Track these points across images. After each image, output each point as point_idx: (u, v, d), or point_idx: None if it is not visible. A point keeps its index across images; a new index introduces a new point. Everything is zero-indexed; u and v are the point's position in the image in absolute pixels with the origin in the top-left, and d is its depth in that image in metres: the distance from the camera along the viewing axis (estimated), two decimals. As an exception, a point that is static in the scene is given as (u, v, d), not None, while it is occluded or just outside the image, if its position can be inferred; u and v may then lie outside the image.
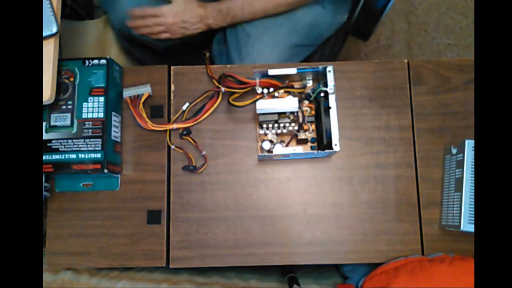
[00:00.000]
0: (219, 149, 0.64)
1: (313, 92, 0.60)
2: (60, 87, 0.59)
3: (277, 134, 0.62)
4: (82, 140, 0.58)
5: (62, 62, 0.60)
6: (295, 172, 0.63)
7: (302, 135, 0.61)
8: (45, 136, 0.59)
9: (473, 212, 0.55)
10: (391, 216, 0.62)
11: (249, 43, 0.72)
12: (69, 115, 0.59)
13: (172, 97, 0.65)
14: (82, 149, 0.58)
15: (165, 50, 0.80)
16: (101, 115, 0.59)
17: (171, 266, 0.62)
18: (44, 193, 0.61)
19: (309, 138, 0.62)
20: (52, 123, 0.59)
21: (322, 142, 0.60)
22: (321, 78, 0.60)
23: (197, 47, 0.86)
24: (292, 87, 0.61)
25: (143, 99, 0.63)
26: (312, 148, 0.62)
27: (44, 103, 0.55)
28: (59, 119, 0.59)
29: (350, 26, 0.80)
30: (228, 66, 0.66)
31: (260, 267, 0.71)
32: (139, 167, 0.64)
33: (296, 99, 0.58)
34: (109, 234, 0.62)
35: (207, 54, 0.69)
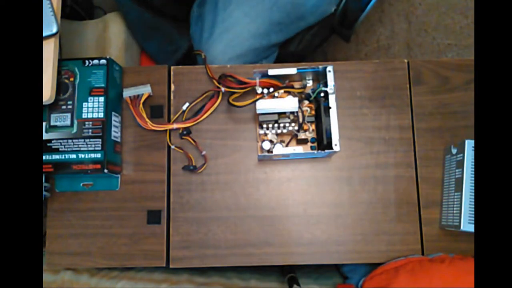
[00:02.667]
0: (219, 149, 0.64)
1: (313, 92, 0.60)
2: (60, 87, 0.59)
3: (277, 134, 0.62)
4: (82, 140, 0.58)
5: (62, 62, 0.60)
6: (295, 172, 0.63)
7: (302, 135, 0.61)
8: (45, 136, 0.59)
9: (473, 212, 0.55)
10: (391, 216, 0.62)
11: (228, 8, 0.70)
12: (69, 115, 0.59)
13: (172, 97, 0.65)
14: (82, 149, 0.58)
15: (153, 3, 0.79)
16: (101, 115, 0.59)
17: (171, 266, 0.62)
18: (44, 193, 0.61)
19: (309, 138, 0.62)
20: (52, 123, 0.59)
21: (322, 142, 0.60)
22: (321, 78, 0.60)
23: (184, 7, 0.85)
24: (292, 87, 0.61)
25: (143, 99, 0.63)
26: (312, 148, 0.62)
27: (44, 103, 0.55)
28: (59, 119, 0.59)
29: (336, 19, 0.79)
30: (228, 66, 0.66)
31: (260, 267, 0.71)
32: (139, 167, 0.64)
33: (296, 99, 0.58)
34: (109, 234, 0.62)
35: (203, 54, 0.68)
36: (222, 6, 0.71)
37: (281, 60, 0.82)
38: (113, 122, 0.61)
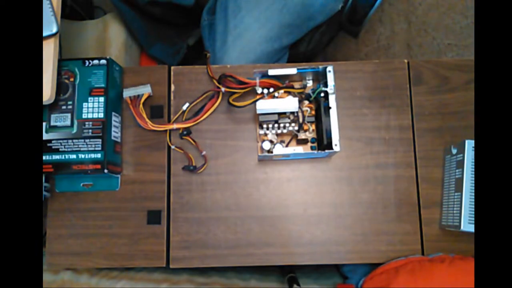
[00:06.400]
0: (219, 149, 0.64)
1: (313, 92, 0.60)
2: (60, 87, 0.59)
3: (277, 134, 0.62)
4: (82, 140, 0.58)
5: (62, 62, 0.60)
6: (295, 172, 0.63)
7: (302, 135, 0.61)
8: (45, 136, 0.59)
9: (473, 212, 0.55)
10: (391, 216, 0.62)
11: (238, 15, 0.70)
12: (69, 115, 0.59)
13: (172, 97, 0.65)
14: (82, 149, 0.58)
15: (148, 7, 0.79)
16: (101, 115, 0.59)
17: (171, 266, 0.62)
18: (44, 193, 0.61)
19: (309, 138, 0.62)
20: (52, 123, 0.59)
21: (322, 142, 0.60)
22: (321, 78, 0.60)
23: (185, 15, 0.85)
24: (292, 87, 0.61)
25: (143, 99, 0.63)
26: (312, 148, 0.62)
27: (44, 103, 0.55)
28: (59, 119, 0.59)
29: (343, 17, 0.80)
30: (228, 66, 0.66)
31: (260, 267, 0.71)
32: (139, 167, 0.64)
33: (296, 99, 0.58)
34: (109, 234, 0.62)
35: (208, 54, 0.69)
36: (232, 13, 0.71)
37: (292, 61, 0.82)
38: (113, 122, 0.61)
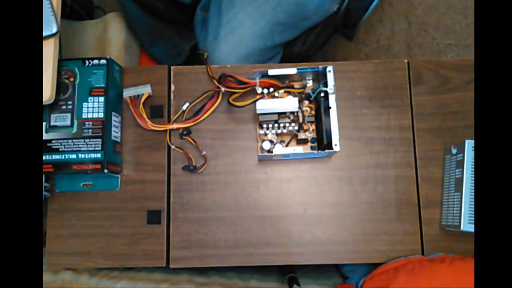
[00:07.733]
0: (219, 149, 0.64)
1: (313, 92, 0.60)
2: (60, 87, 0.59)
3: (277, 134, 0.62)
4: (82, 140, 0.58)
5: (62, 62, 0.60)
6: (295, 172, 0.63)
7: (302, 135, 0.61)
8: (45, 136, 0.59)
9: (473, 212, 0.55)
10: (391, 216, 0.62)
11: (232, 10, 0.71)
12: (69, 115, 0.59)
13: (172, 97, 0.65)
14: (82, 149, 0.58)
15: (152, 1, 0.80)
16: (101, 115, 0.59)
17: (171, 266, 0.62)
18: (44, 193, 0.61)
19: (309, 138, 0.62)
20: (52, 123, 0.59)
21: (322, 142, 0.60)
22: (321, 78, 0.60)
23: (186, 13, 0.85)
24: (292, 87, 0.61)
25: (143, 99, 0.63)
26: (312, 148, 0.62)
27: (44, 103, 0.55)
28: (59, 119, 0.59)
29: (339, 18, 0.80)
30: (228, 66, 0.66)
31: (260, 267, 0.71)
32: (139, 167, 0.64)
33: (296, 99, 0.58)
34: (109, 234, 0.62)
35: (206, 54, 0.68)
36: (226, 8, 0.71)
37: (286, 61, 0.82)
38: (113, 122, 0.61)
